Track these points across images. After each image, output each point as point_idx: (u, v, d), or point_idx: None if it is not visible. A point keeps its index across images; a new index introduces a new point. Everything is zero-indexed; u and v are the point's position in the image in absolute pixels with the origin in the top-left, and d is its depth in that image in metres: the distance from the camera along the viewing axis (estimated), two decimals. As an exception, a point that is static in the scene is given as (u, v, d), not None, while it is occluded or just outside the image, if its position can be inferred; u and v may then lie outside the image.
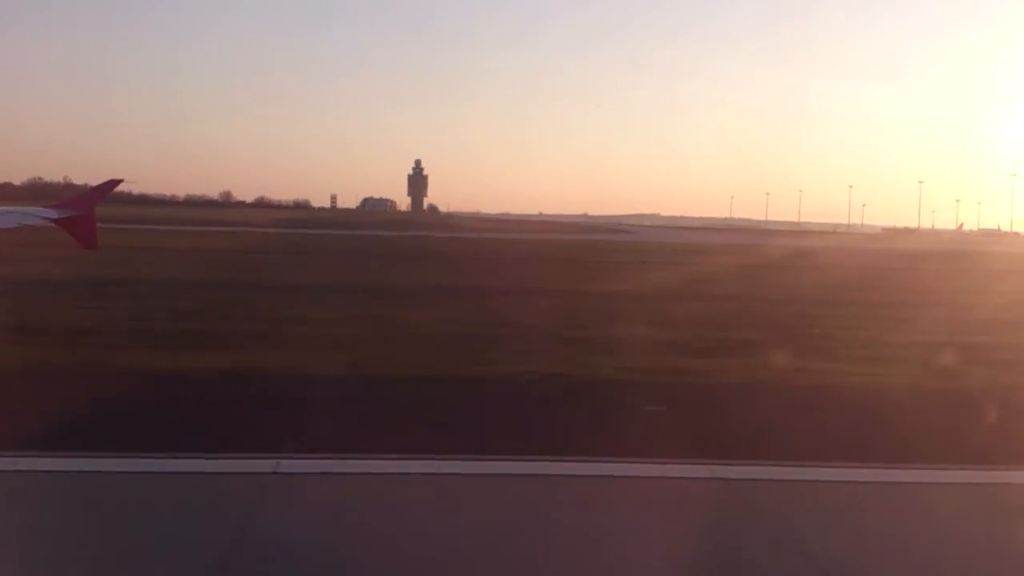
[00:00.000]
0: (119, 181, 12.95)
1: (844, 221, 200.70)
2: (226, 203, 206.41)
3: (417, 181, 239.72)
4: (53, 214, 12.26)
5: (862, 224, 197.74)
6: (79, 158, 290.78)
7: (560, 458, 8.17)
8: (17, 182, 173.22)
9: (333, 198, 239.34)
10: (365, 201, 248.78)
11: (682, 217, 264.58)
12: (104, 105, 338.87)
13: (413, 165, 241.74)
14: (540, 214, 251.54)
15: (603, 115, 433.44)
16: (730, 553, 6.45)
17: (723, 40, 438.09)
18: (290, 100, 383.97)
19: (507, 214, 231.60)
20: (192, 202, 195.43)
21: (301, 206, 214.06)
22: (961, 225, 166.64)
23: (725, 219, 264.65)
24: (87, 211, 12.43)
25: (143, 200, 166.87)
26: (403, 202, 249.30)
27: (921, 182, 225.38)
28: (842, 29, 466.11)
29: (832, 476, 7.95)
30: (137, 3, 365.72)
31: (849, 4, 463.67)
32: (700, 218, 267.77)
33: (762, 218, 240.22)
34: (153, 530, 6.53)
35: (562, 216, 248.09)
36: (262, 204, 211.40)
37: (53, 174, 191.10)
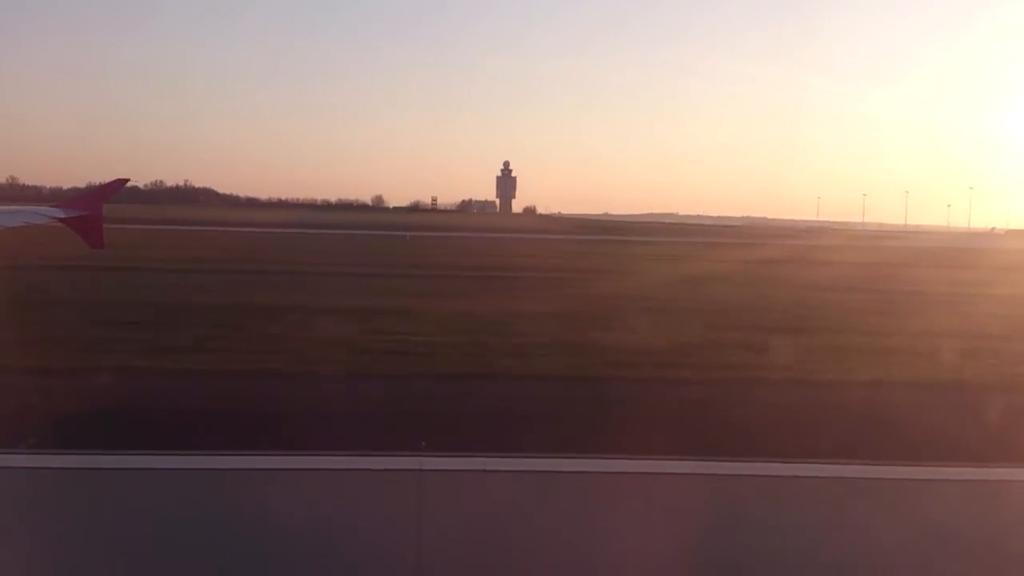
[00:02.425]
0: (126, 181, 12.92)
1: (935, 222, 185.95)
2: (377, 207, 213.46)
3: (505, 182, 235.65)
4: (60, 213, 12.28)
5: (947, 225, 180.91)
6: (226, 164, 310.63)
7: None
8: (170, 183, 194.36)
9: (434, 200, 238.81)
10: (468, 203, 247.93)
11: (699, 216, 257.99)
12: (249, 110, 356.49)
13: (502, 167, 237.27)
14: (560, 213, 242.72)
15: (619, 116, 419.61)
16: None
17: (750, 44, 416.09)
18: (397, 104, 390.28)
19: (559, 213, 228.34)
20: (344, 205, 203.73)
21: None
22: None
23: (761, 218, 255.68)
24: (94, 211, 12.39)
25: (285, 204, 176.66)
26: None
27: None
28: (850, 29, 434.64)
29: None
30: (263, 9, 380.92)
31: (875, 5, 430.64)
32: (717, 217, 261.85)
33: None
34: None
35: (584, 215, 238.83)
36: (418, 208, 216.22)
37: (176, 177, 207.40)
